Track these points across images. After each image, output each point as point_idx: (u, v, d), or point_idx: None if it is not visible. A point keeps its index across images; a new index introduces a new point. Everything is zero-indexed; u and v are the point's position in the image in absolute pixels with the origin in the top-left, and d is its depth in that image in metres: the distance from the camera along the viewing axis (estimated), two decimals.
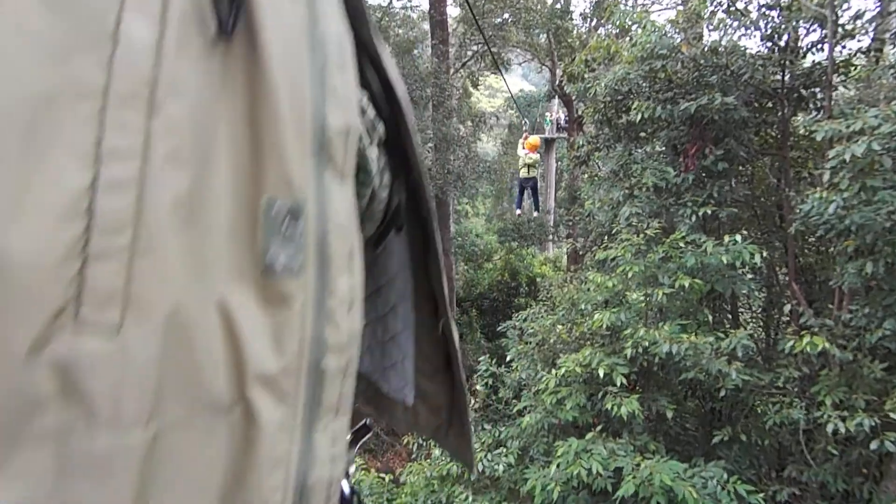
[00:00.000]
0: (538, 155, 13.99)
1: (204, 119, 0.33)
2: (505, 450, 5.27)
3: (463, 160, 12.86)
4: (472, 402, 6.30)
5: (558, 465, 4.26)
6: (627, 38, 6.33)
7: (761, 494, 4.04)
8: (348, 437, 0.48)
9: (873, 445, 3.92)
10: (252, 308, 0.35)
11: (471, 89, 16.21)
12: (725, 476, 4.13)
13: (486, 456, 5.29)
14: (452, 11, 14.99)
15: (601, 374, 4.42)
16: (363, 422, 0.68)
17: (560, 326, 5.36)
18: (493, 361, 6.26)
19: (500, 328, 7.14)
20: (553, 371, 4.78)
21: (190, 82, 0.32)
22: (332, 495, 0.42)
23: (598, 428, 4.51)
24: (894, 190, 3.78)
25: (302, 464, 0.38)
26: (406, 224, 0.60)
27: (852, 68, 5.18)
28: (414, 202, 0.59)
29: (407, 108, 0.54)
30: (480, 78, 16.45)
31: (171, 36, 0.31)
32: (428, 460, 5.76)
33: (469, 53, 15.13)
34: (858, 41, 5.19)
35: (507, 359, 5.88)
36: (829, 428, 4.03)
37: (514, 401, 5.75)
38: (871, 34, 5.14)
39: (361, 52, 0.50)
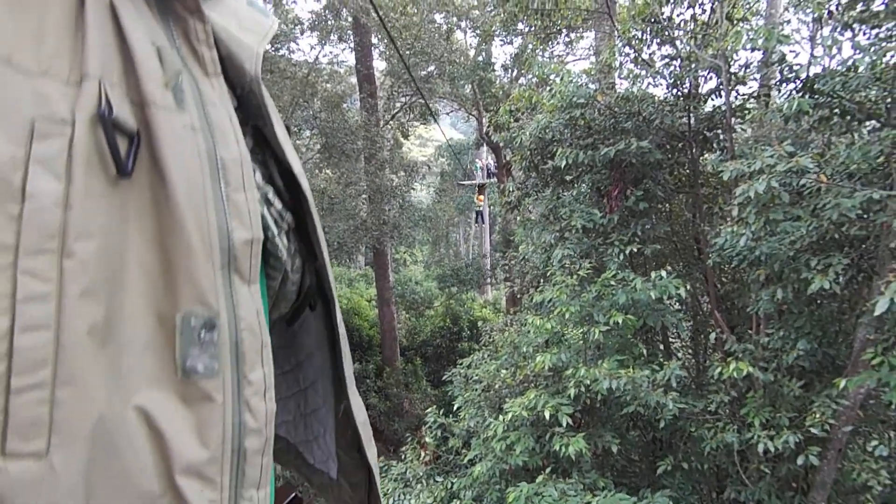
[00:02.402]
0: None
1: (113, 252, 0.37)
2: (458, 502, 5.09)
3: (398, 210, 12.94)
4: (422, 455, 6.09)
5: None
6: (547, 89, 6.72)
7: None
8: None
9: (799, 460, 4.13)
10: (173, 408, 0.40)
11: (402, 140, 16.52)
12: None
13: None
14: (379, 65, 15.43)
15: (547, 416, 4.42)
16: (293, 494, 0.75)
17: (504, 371, 5.35)
18: (441, 412, 6.12)
19: (445, 376, 7.05)
20: (500, 417, 4.72)
21: (97, 222, 0.36)
22: None
23: (548, 470, 4.49)
24: (794, 221, 4.14)
25: None
26: (319, 304, 0.65)
27: (747, 112, 5.74)
28: (321, 285, 0.64)
29: (310, 199, 0.60)
30: (410, 128, 16.83)
31: (77, 185, 0.35)
32: None
33: (398, 105, 15.51)
34: (749, 87, 5.79)
35: (455, 407, 5.77)
36: (760, 447, 4.21)
37: (464, 450, 5.61)
38: (759, 80, 5.76)
39: (266, 150, 0.56)
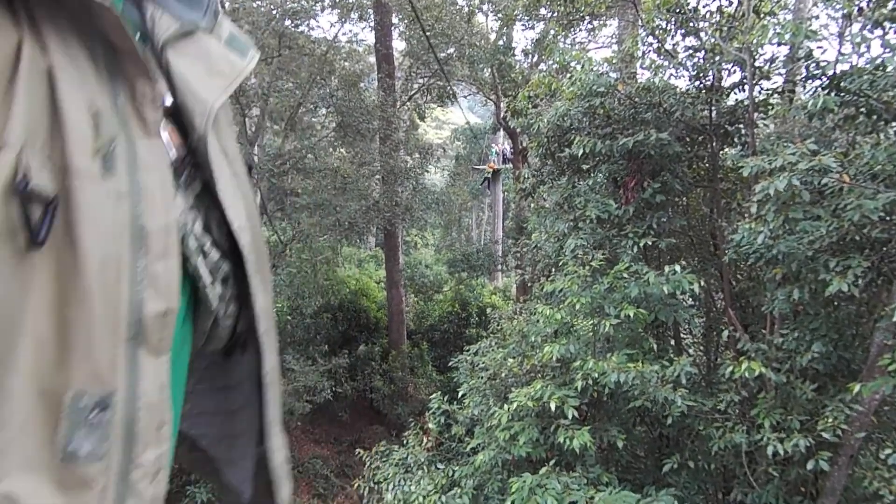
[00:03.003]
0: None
1: (7, 322, 0.36)
2: (459, 490, 5.13)
3: (411, 192, 12.89)
4: (425, 441, 6.12)
5: (513, 503, 4.18)
6: (567, 76, 6.59)
7: None
8: None
9: (809, 465, 4.07)
10: (46, 494, 0.38)
11: (418, 121, 16.40)
12: (676, 503, 4.18)
13: (439, 498, 5.12)
14: (398, 45, 15.26)
15: (553, 408, 4.40)
16: None
17: (511, 360, 5.34)
18: (445, 398, 6.14)
19: (451, 362, 7.07)
20: (505, 406, 4.72)
21: None
22: None
23: (552, 462, 4.47)
24: (813, 221, 4.04)
25: None
26: (251, 349, 0.64)
27: (770, 107, 5.59)
28: (254, 331, 0.63)
29: (250, 253, 0.58)
30: (427, 110, 16.69)
31: None
32: None
33: (415, 87, 15.36)
34: (773, 82, 5.62)
35: (460, 394, 5.78)
36: (769, 450, 4.16)
37: (467, 437, 5.63)
38: (784, 76, 5.59)
39: (210, 201, 0.55)
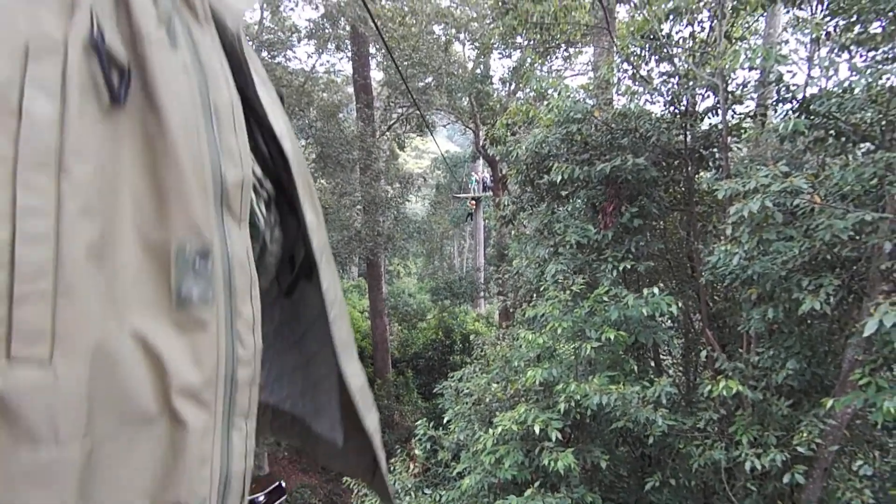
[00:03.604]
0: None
1: (108, 177, 0.38)
2: None
3: (392, 221, 12.93)
4: (412, 467, 6.01)
5: None
6: (545, 103, 6.77)
7: None
8: (262, 493, 0.53)
9: (786, 479, 4.11)
10: (170, 334, 0.41)
11: (398, 151, 16.57)
12: None
13: None
14: (377, 75, 15.51)
15: (537, 430, 4.39)
16: (277, 483, 0.73)
17: (495, 385, 5.32)
18: (431, 424, 6.07)
19: (436, 389, 7.01)
20: (490, 430, 4.69)
21: (91, 146, 0.37)
22: (247, 482, 0.49)
23: (537, 484, 4.45)
24: (786, 241, 4.17)
25: (224, 459, 0.45)
26: (314, 273, 0.65)
27: (743, 131, 5.80)
28: (310, 253, 0.64)
29: (296, 160, 0.59)
30: (407, 140, 16.89)
31: (72, 108, 0.36)
32: None
33: (394, 116, 15.57)
34: (746, 106, 5.85)
35: (445, 420, 5.73)
36: (747, 465, 4.20)
37: (453, 462, 5.56)
38: (756, 100, 5.83)
39: (249, 112, 0.56)
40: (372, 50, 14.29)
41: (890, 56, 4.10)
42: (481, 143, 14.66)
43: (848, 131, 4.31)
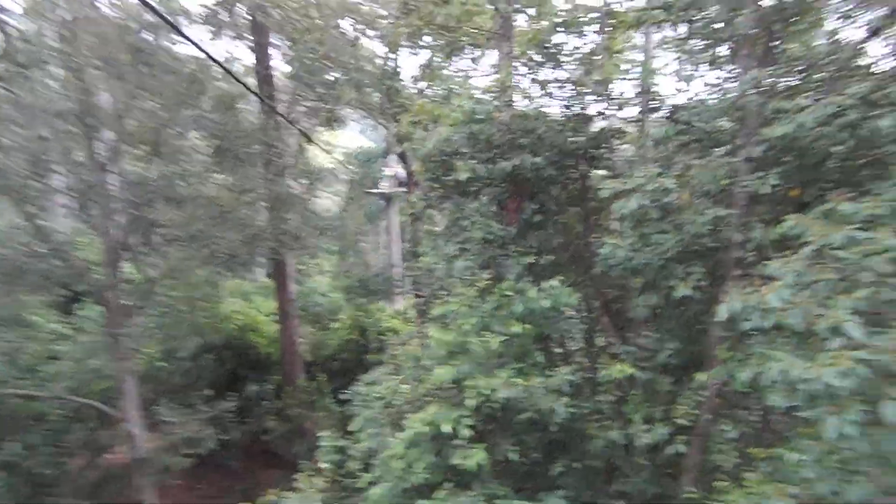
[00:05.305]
0: None
1: None
2: None
3: (299, 219, 12.50)
4: (318, 482, 5.86)
5: None
6: (451, 102, 6.90)
7: None
8: None
9: (671, 450, 4.58)
10: None
11: (305, 146, 15.97)
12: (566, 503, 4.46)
13: None
14: (283, 68, 14.88)
15: (448, 430, 4.48)
16: None
17: (405, 386, 5.37)
18: (339, 433, 5.99)
19: (344, 395, 6.93)
20: (400, 434, 4.73)
21: None
22: None
23: (451, 484, 4.53)
24: (662, 235, 4.61)
25: None
26: None
27: (625, 134, 6.31)
28: None
29: None
30: (315, 134, 16.36)
31: None
32: None
33: (301, 109, 15.05)
34: (627, 113, 6.37)
35: (354, 427, 5.68)
36: (641, 441, 4.60)
37: (363, 472, 5.51)
38: (637, 107, 6.35)
39: None
40: (277, 41, 13.71)
41: (733, 75, 4.68)
42: (392, 139, 14.60)
43: (705, 137, 4.86)
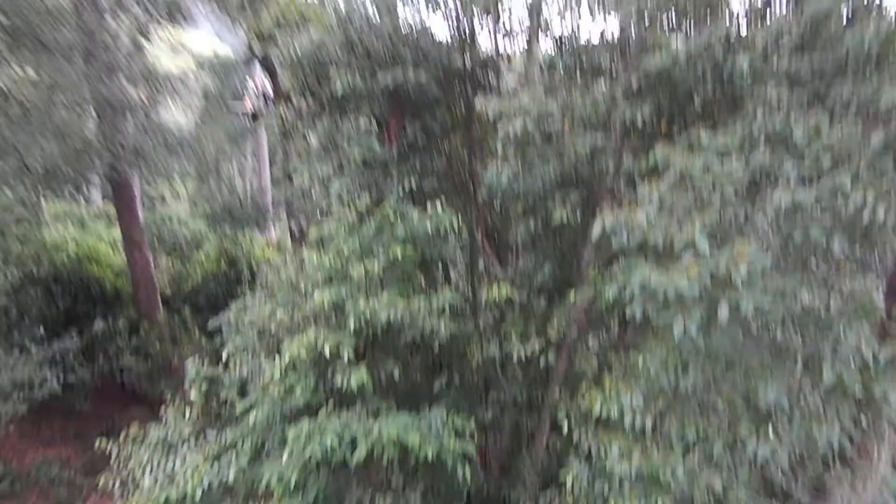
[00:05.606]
0: None
1: None
2: (235, 451, 4.81)
3: (140, 131, 10.71)
4: (189, 412, 5.50)
5: (291, 452, 4.13)
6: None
7: (472, 419, 4.73)
8: None
9: (542, 362, 4.97)
10: None
11: (142, 42, 13.17)
12: (446, 415, 4.69)
13: (211, 467, 4.72)
14: None
15: (328, 352, 4.37)
16: None
17: (281, 311, 5.07)
18: (206, 362, 5.59)
19: (211, 326, 6.44)
20: (277, 359, 4.50)
21: None
22: None
23: (331, 403, 4.51)
24: (545, 162, 4.69)
25: None
26: None
27: (514, 59, 6.18)
28: None
29: None
30: (155, 29, 13.54)
31: None
32: (136, 494, 4.84)
33: None
34: (517, 37, 6.19)
35: (224, 355, 5.32)
36: (515, 355, 4.92)
37: (239, 399, 5.26)
38: (526, 33, 6.20)
39: None
40: None
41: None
42: (250, 44, 12.91)
43: (589, 69, 4.93)
